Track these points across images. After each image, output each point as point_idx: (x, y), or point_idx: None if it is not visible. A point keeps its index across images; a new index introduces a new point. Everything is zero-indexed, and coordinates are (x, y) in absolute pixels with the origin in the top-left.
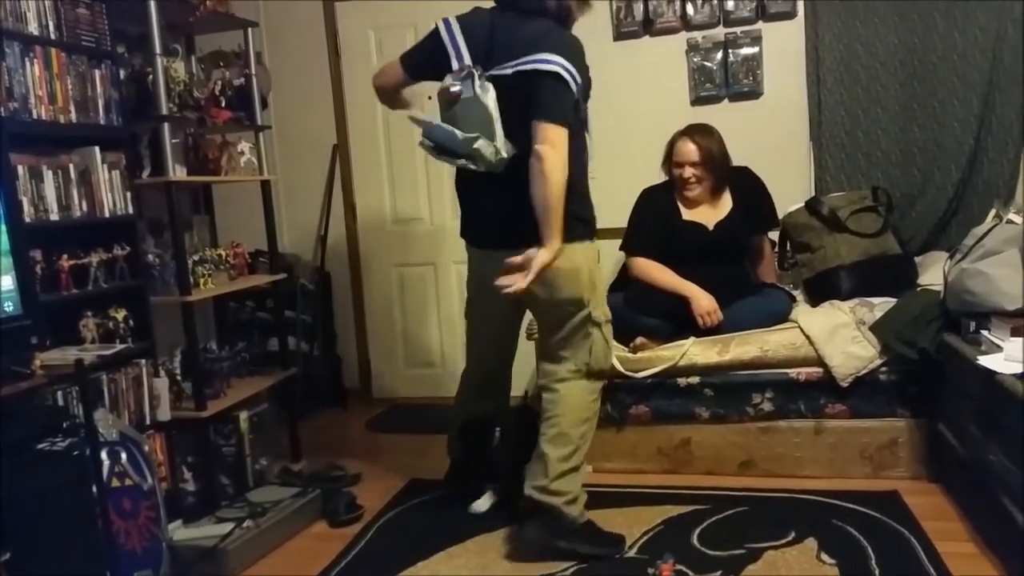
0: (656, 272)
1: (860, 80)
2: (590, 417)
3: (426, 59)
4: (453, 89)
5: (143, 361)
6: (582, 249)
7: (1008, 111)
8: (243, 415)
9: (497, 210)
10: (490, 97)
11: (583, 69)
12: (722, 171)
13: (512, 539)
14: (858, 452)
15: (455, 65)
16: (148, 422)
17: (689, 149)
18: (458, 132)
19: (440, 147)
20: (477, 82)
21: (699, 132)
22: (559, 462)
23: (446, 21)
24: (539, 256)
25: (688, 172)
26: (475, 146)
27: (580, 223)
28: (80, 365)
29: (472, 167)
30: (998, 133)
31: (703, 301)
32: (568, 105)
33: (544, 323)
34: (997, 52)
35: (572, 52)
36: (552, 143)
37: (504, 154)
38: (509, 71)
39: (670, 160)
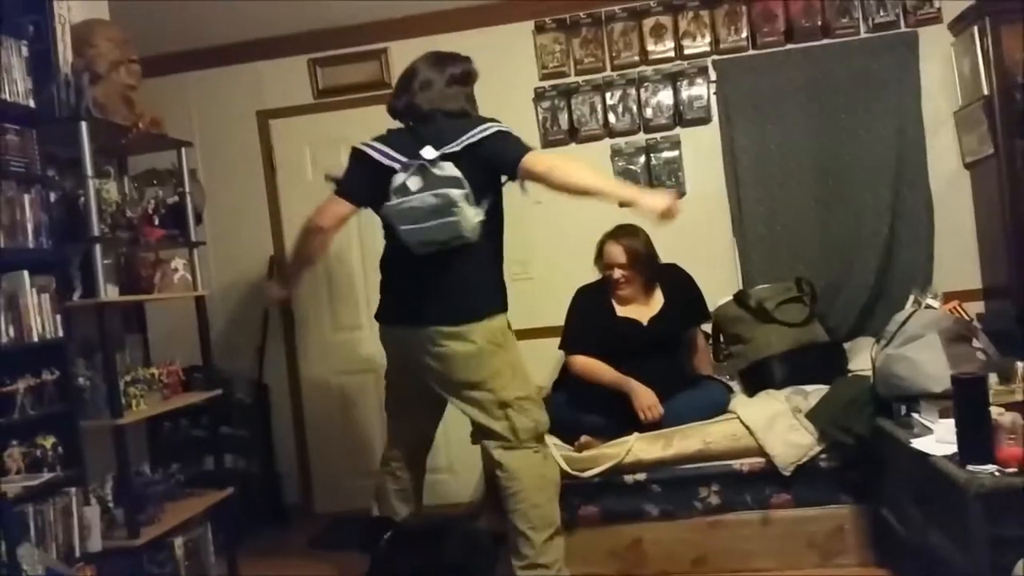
0: (596, 369)
1: (776, 178)
2: (546, 474)
3: (365, 181)
4: (410, 183)
5: (72, 489)
6: (497, 325)
7: (916, 201)
8: (178, 541)
9: (444, 284)
10: (450, 167)
11: None
12: (650, 269)
13: None
14: (806, 541)
15: (398, 167)
16: (78, 554)
17: (616, 251)
18: (439, 203)
19: (425, 241)
20: (433, 167)
21: (625, 234)
22: (537, 532)
23: (364, 143)
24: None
25: (617, 273)
26: (458, 208)
27: (501, 294)
28: (2, 498)
29: (456, 242)
30: (910, 221)
31: (643, 396)
32: (525, 145)
33: (459, 405)
34: (900, 147)
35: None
36: (544, 159)
37: (482, 215)
38: (458, 148)
39: (601, 259)
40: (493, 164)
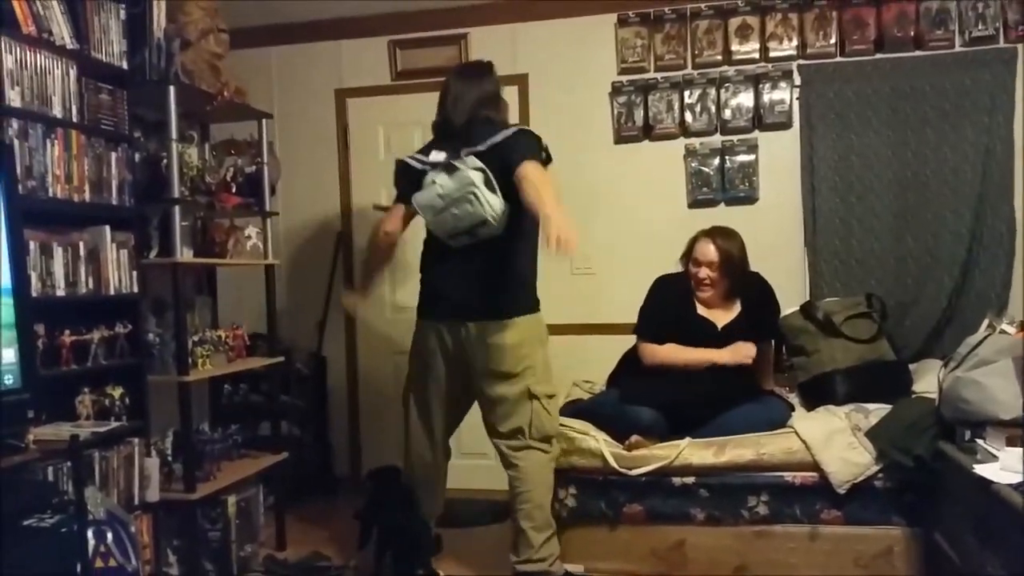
0: (671, 352)
1: (854, 190)
2: (550, 478)
3: (410, 188)
4: (438, 179)
5: (136, 440)
6: (535, 320)
7: (999, 225)
8: (231, 499)
9: (479, 279)
10: (473, 159)
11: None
12: (739, 276)
13: None
14: (853, 560)
15: (428, 169)
16: (136, 502)
17: (709, 250)
18: (460, 188)
19: (451, 231)
20: (458, 161)
21: (721, 235)
22: (539, 532)
23: (404, 156)
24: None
25: (703, 273)
26: (478, 191)
27: (534, 295)
28: (75, 441)
29: (483, 232)
30: (990, 246)
31: (734, 352)
32: (540, 151)
33: (486, 398)
34: (987, 169)
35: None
36: (534, 169)
37: (502, 204)
38: (483, 147)
39: (689, 255)
40: (503, 156)
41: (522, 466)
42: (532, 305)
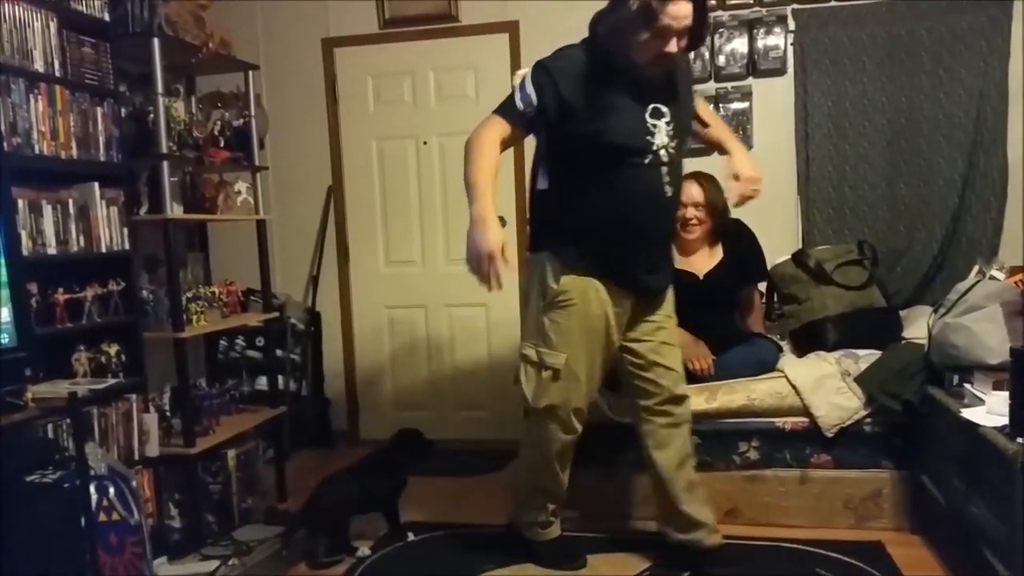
0: None
1: (848, 137)
2: (529, 457)
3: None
4: None
5: (134, 396)
6: (534, 262)
7: (992, 171)
8: (231, 453)
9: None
10: None
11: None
12: (722, 218)
13: None
14: (842, 502)
15: None
16: (136, 457)
17: (695, 191)
18: None
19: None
20: None
21: (704, 177)
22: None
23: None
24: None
25: (691, 213)
26: None
27: (544, 232)
28: (73, 398)
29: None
30: (982, 192)
31: (694, 348)
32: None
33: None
34: (981, 113)
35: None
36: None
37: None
38: None
39: None
40: None
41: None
42: (537, 244)
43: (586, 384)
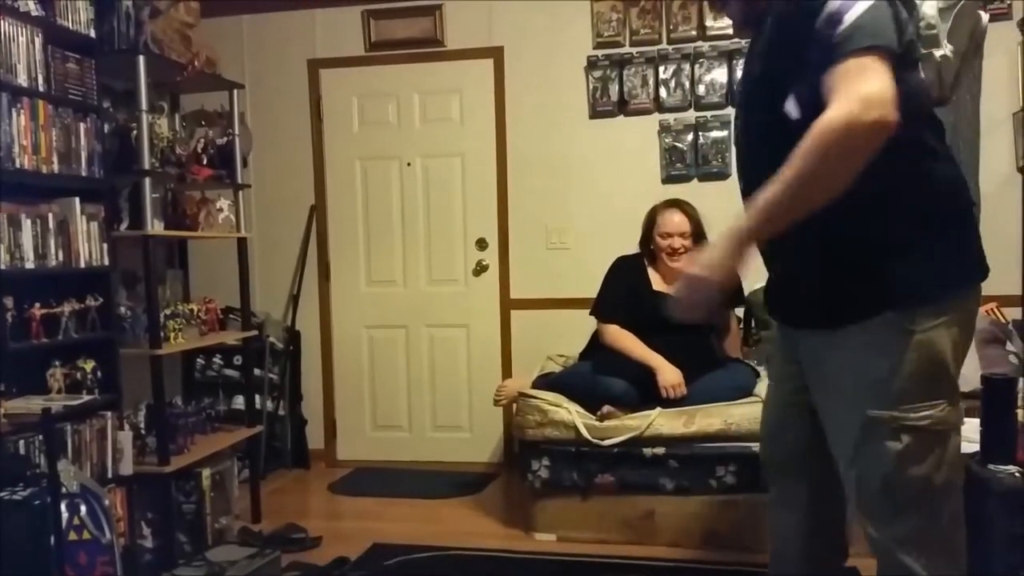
0: (626, 341)
1: None
2: None
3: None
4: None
5: (108, 413)
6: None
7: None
8: (205, 472)
9: None
10: None
11: None
12: (702, 243)
13: None
14: None
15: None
16: (110, 475)
17: (679, 219)
18: None
19: None
20: None
21: (684, 204)
22: None
23: None
24: None
25: (678, 243)
26: None
27: None
28: (46, 414)
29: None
30: None
31: (669, 374)
32: None
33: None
34: (954, 145)
35: None
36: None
37: None
38: None
39: (650, 233)
40: None
41: None
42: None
43: None
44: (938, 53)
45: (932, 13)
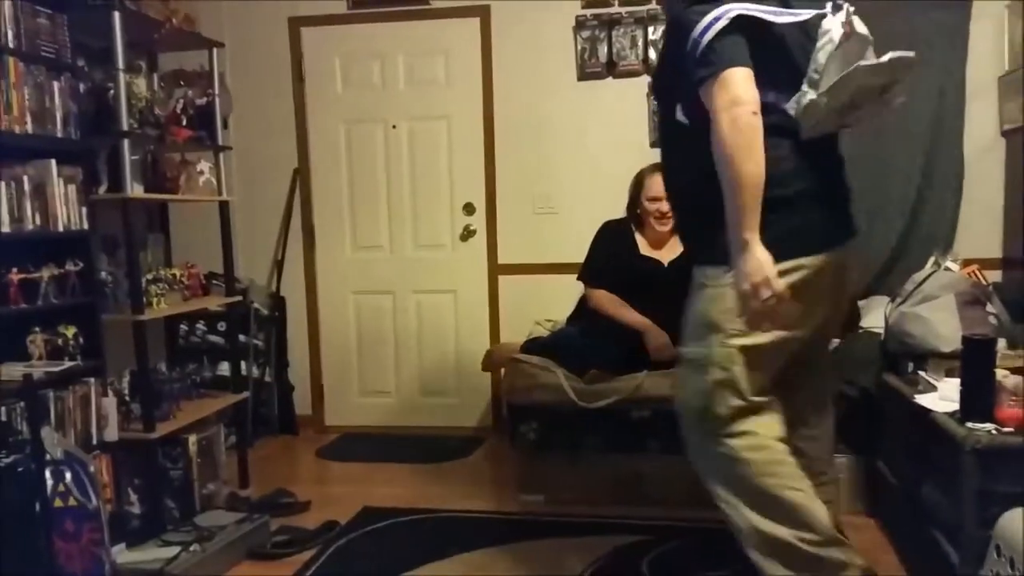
0: (612, 305)
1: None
2: None
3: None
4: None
5: (92, 380)
6: None
7: (948, 166)
8: (192, 438)
9: (843, 177)
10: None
11: None
12: None
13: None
14: None
15: (799, 18)
16: (95, 442)
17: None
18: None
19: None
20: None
21: None
22: None
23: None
24: None
25: (666, 206)
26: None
27: None
28: (28, 381)
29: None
30: (939, 186)
31: (657, 337)
32: None
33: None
34: (940, 111)
35: None
36: None
37: None
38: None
39: (637, 198)
40: None
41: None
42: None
43: None
44: (809, 96)
45: (822, 61)
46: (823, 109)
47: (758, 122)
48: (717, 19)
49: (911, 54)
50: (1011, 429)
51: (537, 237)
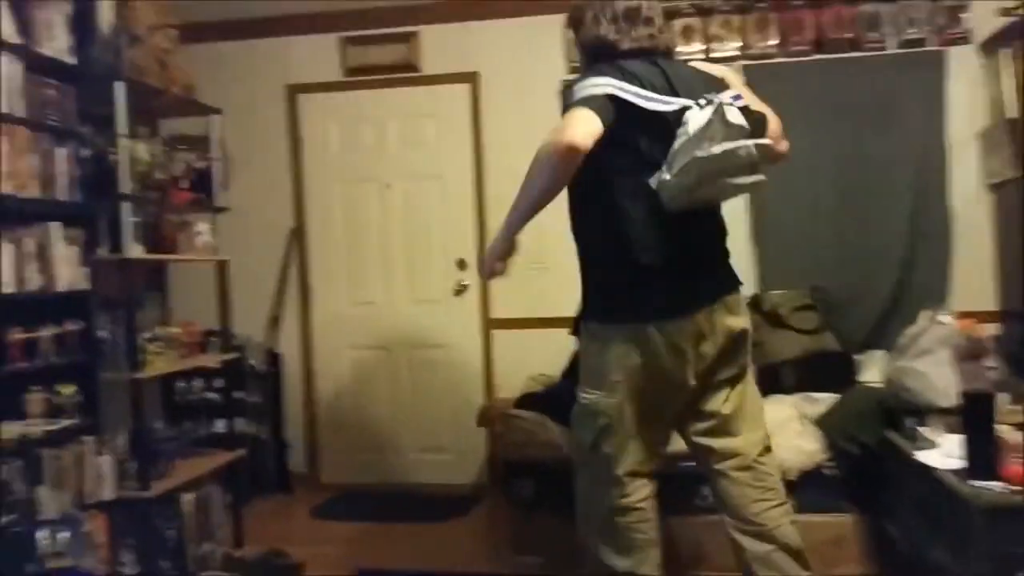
0: None
1: (798, 188)
2: None
3: (610, 115)
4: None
5: (88, 438)
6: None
7: (936, 221)
8: (187, 497)
9: (709, 248)
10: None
11: None
12: None
13: None
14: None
15: (670, 107)
16: (90, 501)
17: None
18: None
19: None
20: (727, 113)
21: None
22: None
23: (609, 79)
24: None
25: None
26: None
27: None
28: (24, 439)
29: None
30: (928, 240)
31: None
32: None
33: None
34: (923, 167)
35: None
36: None
37: None
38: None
39: None
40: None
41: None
42: None
43: None
44: (663, 176)
45: (675, 147)
46: (674, 187)
47: (572, 156)
48: (592, 86)
49: (746, 143)
50: (1018, 487)
51: (529, 292)
